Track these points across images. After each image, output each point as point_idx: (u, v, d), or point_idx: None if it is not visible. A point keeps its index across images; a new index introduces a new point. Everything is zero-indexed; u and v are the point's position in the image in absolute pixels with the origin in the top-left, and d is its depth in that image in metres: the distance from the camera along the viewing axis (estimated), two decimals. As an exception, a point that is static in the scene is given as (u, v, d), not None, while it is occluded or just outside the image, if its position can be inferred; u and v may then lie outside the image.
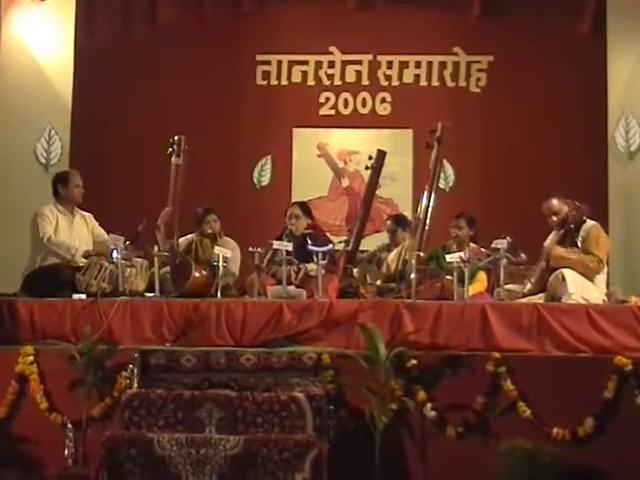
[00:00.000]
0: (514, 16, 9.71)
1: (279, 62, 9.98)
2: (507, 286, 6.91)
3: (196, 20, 9.88)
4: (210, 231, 7.85)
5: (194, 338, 6.56)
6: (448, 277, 6.92)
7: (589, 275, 6.91)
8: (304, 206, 7.99)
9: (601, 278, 7.04)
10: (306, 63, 9.98)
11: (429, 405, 6.07)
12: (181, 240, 7.63)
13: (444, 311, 6.49)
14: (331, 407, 6.02)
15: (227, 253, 7.16)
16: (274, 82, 9.99)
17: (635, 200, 9.27)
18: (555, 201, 7.19)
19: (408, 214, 8.86)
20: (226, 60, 9.84)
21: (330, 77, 9.98)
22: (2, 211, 9.06)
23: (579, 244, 7.02)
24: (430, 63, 9.92)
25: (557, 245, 7.01)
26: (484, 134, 9.69)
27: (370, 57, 9.95)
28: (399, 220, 8.44)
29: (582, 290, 6.82)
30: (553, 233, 7.20)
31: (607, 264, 7.17)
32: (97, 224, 7.73)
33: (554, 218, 7.16)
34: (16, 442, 6.22)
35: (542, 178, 9.20)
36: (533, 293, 7.02)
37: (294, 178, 9.87)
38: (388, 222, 8.52)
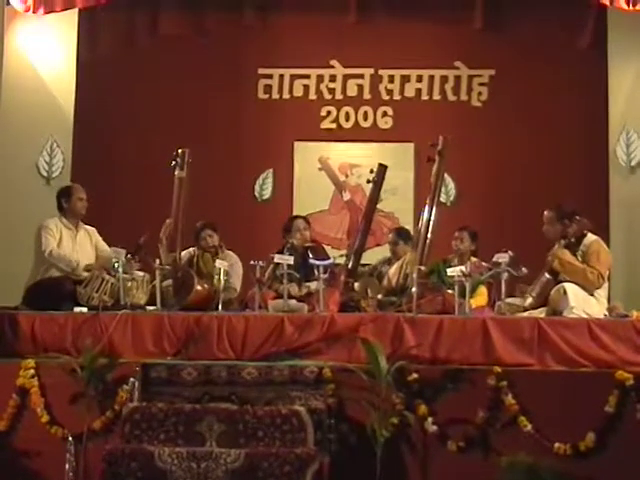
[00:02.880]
0: (515, 30, 9.74)
1: (281, 76, 10.01)
2: (508, 300, 6.92)
3: (198, 34, 9.89)
4: (211, 244, 7.85)
5: (195, 351, 6.57)
6: (449, 291, 6.92)
7: (587, 288, 6.91)
8: (307, 220, 8.08)
9: (602, 292, 7.05)
10: (307, 77, 10.00)
11: (430, 419, 6.07)
12: (183, 253, 7.64)
13: (445, 325, 6.50)
14: (332, 421, 6.03)
15: (228, 267, 7.18)
16: (275, 96, 10.01)
17: (636, 214, 9.27)
18: (551, 214, 7.26)
19: (409, 228, 8.87)
20: (228, 74, 9.87)
21: (331, 91, 10.00)
22: (4, 224, 9.06)
23: (579, 258, 7.03)
24: (432, 77, 9.94)
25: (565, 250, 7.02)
26: (485, 148, 9.71)
27: (372, 71, 9.97)
28: (401, 233, 8.44)
29: (583, 304, 6.83)
30: (556, 246, 7.20)
31: (608, 279, 7.17)
32: (100, 238, 7.74)
33: (550, 228, 7.21)
34: (17, 455, 6.22)
35: (543, 192, 9.20)
36: (534, 307, 7.03)
37: (295, 192, 9.88)
38: (390, 235, 8.52)
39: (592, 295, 6.92)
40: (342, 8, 9.72)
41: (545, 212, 7.32)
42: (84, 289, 7.12)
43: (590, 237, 7.09)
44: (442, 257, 7.74)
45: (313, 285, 7.25)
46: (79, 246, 7.56)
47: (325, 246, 8.69)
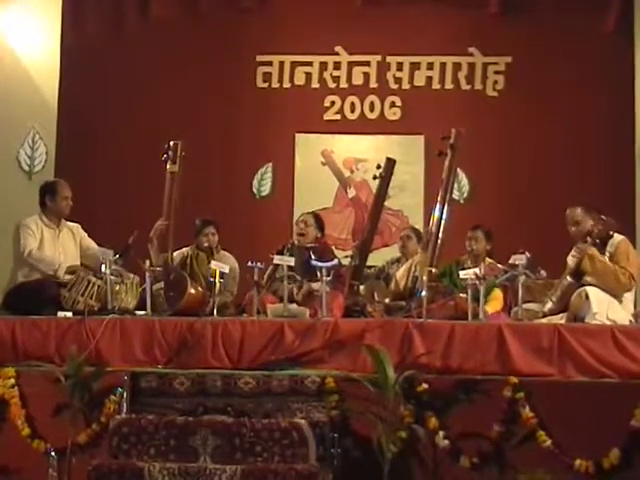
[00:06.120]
0: (534, 14, 9.75)
1: (281, 63, 10.02)
2: (526, 305, 6.92)
3: (192, 17, 9.92)
4: (207, 244, 7.85)
5: (188, 360, 6.56)
6: (462, 295, 6.92)
7: (618, 290, 6.88)
8: (318, 218, 8.04)
9: (629, 297, 7.04)
10: (310, 64, 10.02)
11: (441, 433, 6.07)
12: (175, 254, 7.64)
13: (457, 332, 6.49)
14: (335, 435, 6.04)
15: (224, 268, 7.18)
16: (275, 84, 10.03)
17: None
18: (579, 210, 7.16)
19: (419, 227, 8.88)
20: (224, 61, 9.89)
21: (336, 79, 10.02)
22: (-19, 221, 9.08)
23: (607, 260, 7.01)
24: (443, 64, 9.96)
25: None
26: (501, 141, 9.72)
27: (379, 58, 9.99)
28: (415, 230, 8.48)
29: (607, 309, 6.81)
30: (575, 248, 7.18)
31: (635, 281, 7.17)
32: (85, 235, 7.74)
33: (573, 229, 7.15)
34: (-4, 471, 6.25)
35: (563, 188, 9.21)
36: (554, 313, 7.02)
37: (296, 188, 9.89)
38: (403, 231, 8.56)
39: (620, 300, 6.89)
40: (347, -10, 9.77)
41: (573, 210, 7.19)
42: (68, 292, 7.12)
43: (617, 237, 7.06)
44: (454, 258, 7.75)
45: (316, 285, 7.23)
46: (62, 246, 7.56)
47: (328, 247, 8.70)
